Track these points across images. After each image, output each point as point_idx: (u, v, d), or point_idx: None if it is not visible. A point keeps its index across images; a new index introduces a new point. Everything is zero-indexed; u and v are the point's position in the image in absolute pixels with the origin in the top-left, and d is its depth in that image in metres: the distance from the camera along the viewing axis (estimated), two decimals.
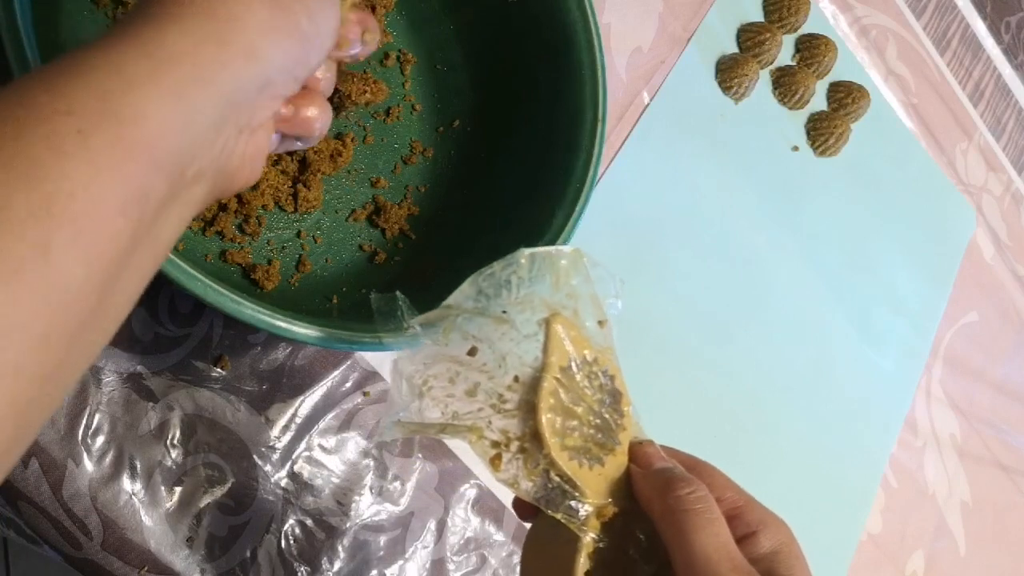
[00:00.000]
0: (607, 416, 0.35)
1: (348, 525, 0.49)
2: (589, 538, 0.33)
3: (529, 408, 0.33)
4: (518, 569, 0.37)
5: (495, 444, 0.33)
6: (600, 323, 0.37)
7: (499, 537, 0.54)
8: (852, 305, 0.75)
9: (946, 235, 0.84)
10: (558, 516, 0.33)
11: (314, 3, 0.30)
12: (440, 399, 0.34)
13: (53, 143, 0.22)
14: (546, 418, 0.33)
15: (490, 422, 0.33)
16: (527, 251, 0.35)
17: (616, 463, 0.35)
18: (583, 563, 0.33)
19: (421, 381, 0.34)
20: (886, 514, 0.74)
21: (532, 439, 0.33)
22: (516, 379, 0.34)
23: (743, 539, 0.34)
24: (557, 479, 0.33)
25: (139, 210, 0.24)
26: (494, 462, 0.33)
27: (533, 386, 0.33)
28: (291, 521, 0.47)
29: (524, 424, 0.33)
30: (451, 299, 0.35)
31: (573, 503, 0.33)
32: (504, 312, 0.34)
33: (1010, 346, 0.88)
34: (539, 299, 0.35)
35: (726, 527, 0.33)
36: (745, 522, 0.34)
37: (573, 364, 0.35)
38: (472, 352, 0.34)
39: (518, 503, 0.38)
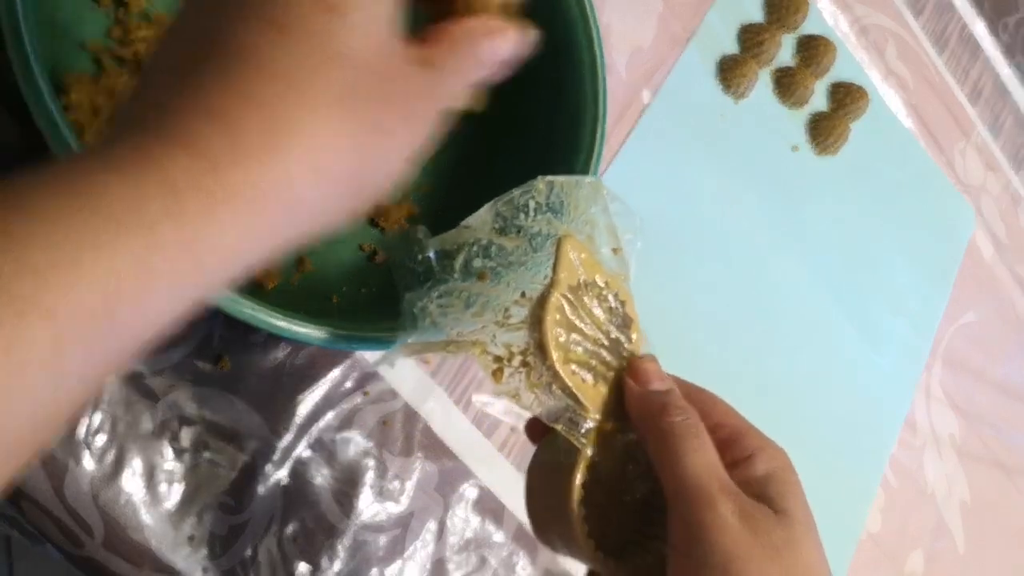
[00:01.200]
0: (614, 336, 0.35)
1: (348, 525, 0.49)
2: (588, 452, 0.34)
3: (535, 321, 0.33)
4: (527, 516, 0.37)
5: (498, 359, 0.33)
6: (615, 251, 0.37)
7: (499, 537, 0.54)
8: (852, 305, 0.75)
9: (946, 235, 0.84)
10: (558, 427, 0.33)
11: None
12: (447, 324, 0.35)
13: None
14: (551, 332, 0.33)
15: (494, 336, 0.34)
16: (547, 178, 0.36)
17: (620, 383, 0.35)
18: (580, 477, 0.33)
19: (429, 311, 0.34)
20: (886, 513, 0.74)
21: (536, 351, 0.33)
22: (523, 295, 0.34)
23: (738, 463, 0.34)
24: (559, 392, 0.33)
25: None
26: (496, 375, 0.33)
27: (540, 302, 0.34)
28: (291, 521, 0.47)
29: (529, 336, 0.33)
30: (469, 220, 0.35)
31: (574, 417, 0.34)
32: (519, 232, 0.35)
33: (1010, 346, 0.88)
34: (555, 223, 0.35)
35: (715, 453, 0.33)
36: (741, 447, 0.34)
37: (582, 284, 0.35)
38: (482, 277, 0.35)
39: (530, 425, 0.38)
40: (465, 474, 0.53)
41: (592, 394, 0.34)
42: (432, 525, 0.52)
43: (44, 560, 0.45)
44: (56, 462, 0.41)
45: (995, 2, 0.93)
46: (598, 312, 0.35)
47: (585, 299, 0.35)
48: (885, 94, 0.81)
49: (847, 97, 0.75)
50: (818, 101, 0.75)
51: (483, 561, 0.53)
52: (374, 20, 0.25)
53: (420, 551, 0.51)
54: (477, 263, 0.35)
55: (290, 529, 0.47)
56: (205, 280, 0.22)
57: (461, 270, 0.35)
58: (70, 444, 0.42)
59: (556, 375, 0.33)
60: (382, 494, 0.50)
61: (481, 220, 0.35)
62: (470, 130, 0.55)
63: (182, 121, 0.22)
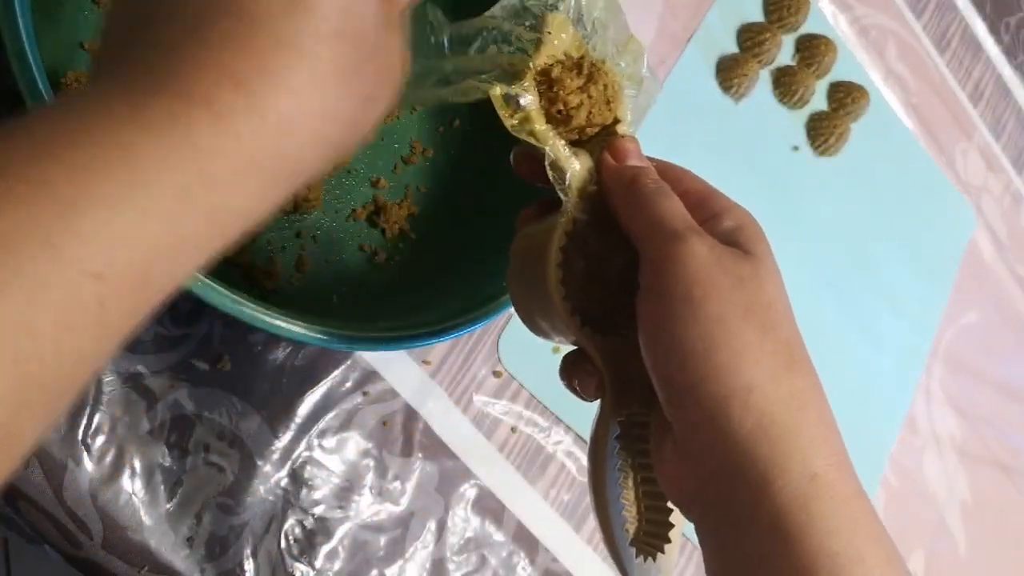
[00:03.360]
0: (602, 106, 0.36)
1: (348, 525, 0.49)
2: (570, 207, 0.35)
3: (533, 50, 0.35)
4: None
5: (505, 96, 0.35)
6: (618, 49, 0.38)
7: (499, 537, 0.54)
8: (852, 305, 0.75)
9: (946, 235, 0.84)
10: (550, 174, 0.35)
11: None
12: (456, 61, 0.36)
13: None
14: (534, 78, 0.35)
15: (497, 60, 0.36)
16: None
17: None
18: (559, 239, 0.35)
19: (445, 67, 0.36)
20: (886, 514, 0.74)
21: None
22: (527, 27, 0.36)
23: (706, 221, 0.34)
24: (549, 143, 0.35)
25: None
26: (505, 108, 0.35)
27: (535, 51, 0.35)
28: (291, 521, 0.47)
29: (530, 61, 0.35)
30: (494, 10, 0.36)
31: (559, 175, 0.35)
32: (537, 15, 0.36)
33: (1010, 346, 0.88)
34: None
35: (681, 203, 0.34)
36: (709, 208, 0.34)
37: (575, 57, 0.36)
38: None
39: (518, 157, 0.38)
40: (465, 474, 0.53)
41: (575, 161, 0.35)
42: (432, 525, 0.52)
43: (42, 561, 0.45)
44: (55, 462, 0.41)
45: (997, 2, 0.92)
46: (583, 91, 0.36)
47: (573, 71, 0.36)
48: (886, 94, 0.81)
49: (847, 97, 0.75)
50: (818, 101, 0.75)
51: (483, 561, 0.53)
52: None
53: (420, 551, 0.51)
54: (492, 49, 0.36)
55: (290, 529, 0.47)
56: (222, 241, 0.24)
57: (475, 55, 0.37)
58: (69, 444, 0.42)
59: (534, 132, 0.35)
60: (382, 494, 0.50)
61: (506, 9, 0.36)
62: (470, 131, 0.55)
63: (202, 82, 0.23)
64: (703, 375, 0.30)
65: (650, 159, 0.37)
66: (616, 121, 0.37)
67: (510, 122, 0.35)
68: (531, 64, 0.35)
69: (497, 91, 0.34)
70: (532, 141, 0.35)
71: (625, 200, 0.34)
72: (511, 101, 0.35)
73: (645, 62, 0.38)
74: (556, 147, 0.35)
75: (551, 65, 0.35)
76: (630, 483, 0.35)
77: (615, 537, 0.34)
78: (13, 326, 0.19)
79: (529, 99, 0.35)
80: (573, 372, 0.36)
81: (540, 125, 0.35)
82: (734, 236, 0.33)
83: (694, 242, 0.31)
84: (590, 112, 0.36)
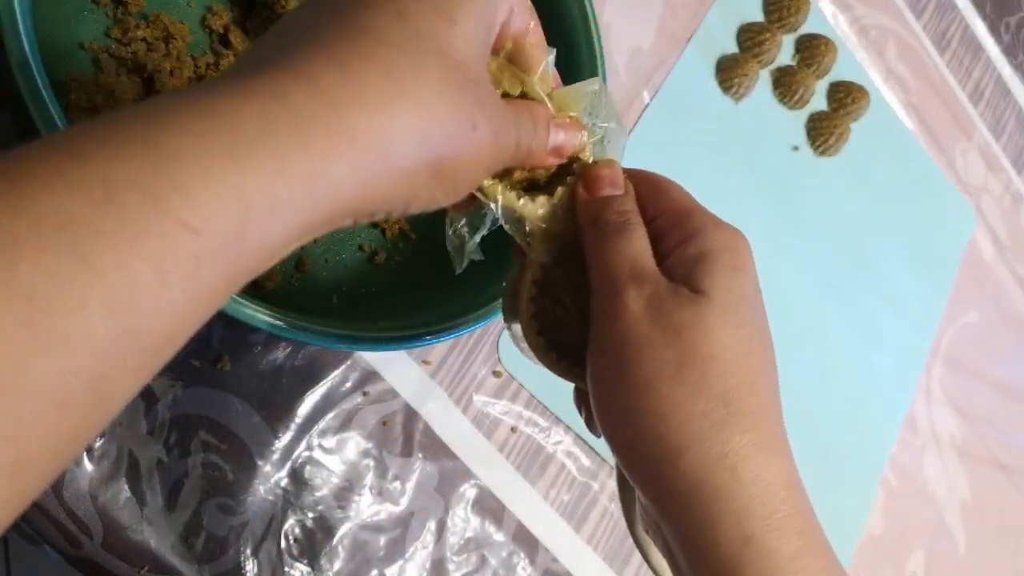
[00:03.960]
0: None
1: (348, 525, 0.49)
2: (534, 257, 0.34)
3: None
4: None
5: None
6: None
7: (499, 537, 0.54)
8: (852, 305, 0.75)
9: (946, 235, 0.84)
10: (507, 228, 0.34)
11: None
12: None
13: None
14: None
15: None
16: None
17: (571, 192, 0.35)
18: (529, 287, 0.34)
19: None
20: (886, 514, 0.74)
21: None
22: None
23: (675, 247, 0.32)
24: (499, 209, 0.34)
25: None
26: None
27: None
28: (291, 521, 0.47)
29: None
30: None
31: (518, 226, 0.34)
32: None
33: (1010, 346, 0.88)
34: None
35: (641, 240, 0.32)
36: (683, 228, 0.32)
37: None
38: None
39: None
40: (465, 474, 0.53)
41: (531, 208, 0.34)
42: (432, 525, 0.52)
43: (42, 561, 0.45)
44: None
45: (997, 2, 0.92)
46: None
47: None
48: (886, 94, 0.81)
49: (847, 97, 0.75)
50: (818, 101, 0.75)
51: (483, 561, 0.53)
52: (481, 48, 0.28)
53: (420, 551, 0.51)
54: None
55: (290, 529, 0.47)
56: (315, 214, 0.24)
57: None
58: None
59: (484, 193, 0.33)
60: (382, 494, 0.50)
61: None
62: None
63: (307, 62, 0.24)
64: (635, 438, 0.30)
65: (634, 172, 0.35)
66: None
67: None
68: None
69: None
70: (480, 197, 0.33)
71: (587, 241, 0.33)
72: None
73: (609, 108, 0.36)
74: (507, 198, 0.33)
75: None
76: None
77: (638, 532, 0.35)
78: (114, 274, 0.19)
79: None
80: (581, 403, 0.36)
81: (486, 180, 0.33)
82: (692, 269, 0.31)
83: (630, 297, 0.30)
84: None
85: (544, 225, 0.34)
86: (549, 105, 0.33)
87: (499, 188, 0.33)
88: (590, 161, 0.35)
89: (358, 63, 0.24)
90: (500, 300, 0.45)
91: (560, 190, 0.34)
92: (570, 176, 0.35)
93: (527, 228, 0.34)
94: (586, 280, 0.33)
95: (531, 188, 0.35)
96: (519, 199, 0.33)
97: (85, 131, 0.21)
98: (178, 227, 0.20)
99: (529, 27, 0.33)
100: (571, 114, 0.34)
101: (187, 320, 0.21)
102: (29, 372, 0.18)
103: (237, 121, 0.22)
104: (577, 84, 0.35)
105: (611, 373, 0.30)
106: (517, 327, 0.35)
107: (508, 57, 0.33)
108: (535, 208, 0.34)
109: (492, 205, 0.33)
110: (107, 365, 0.20)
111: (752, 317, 0.31)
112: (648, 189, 0.34)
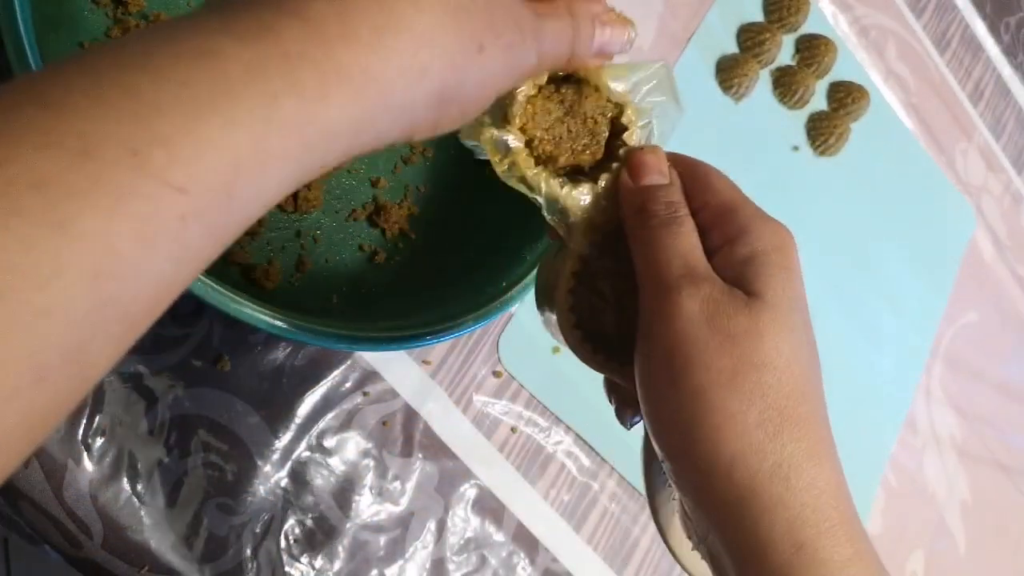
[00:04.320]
0: (598, 133, 0.34)
1: (348, 525, 0.49)
2: (574, 248, 0.33)
3: (501, 115, 0.32)
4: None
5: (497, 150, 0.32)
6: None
7: (499, 537, 0.54)
8: (852, 305, 0.75)
9: (946, 235, 0.84)
10: (549, 219, 0.33)
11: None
12: None
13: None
14: (517, 121, 0.32)
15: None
16: None
17: (614, 180, 0.34)
18: (568, 279, 0.33)
19: None
20: (886, 514, 0.74)
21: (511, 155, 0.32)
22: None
23: (723, 246, 0.31)
24: (542, 187, 0.33)
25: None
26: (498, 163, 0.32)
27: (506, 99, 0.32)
28: (291, 521, 0.47)
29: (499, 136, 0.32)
30: None
31: (561, 216, 0.33)
32: None
33: (1010, 346, 0.88)
34: None
35: (692, 235, 0.31)
36: (729, 226, 0.31)
37: (556, 81, 0.33)
38: None
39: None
40: (465, 474, 0.53)
41: (572, 197, 0.33)
42: (432, 525, 0.52)
43: (42, 561, 0.45)
44: (55, 463, 0.41)
45: (997, 2, 0.92)
46: (562, 123, 0.33)
47: (544, 117, 0.33)
48: (886, 94, 0.81)
49: (848, 97, 0.75)
50: (818, 101, 0.75)
51: (483, 561, 0.53)
52: None
53: (420, 551, 0.51)
54: None
55: (290, 530, 0.47)
56: (309, 165, 0.22)
57: None
58: (69, 445, 0.42)
59: (524, 176, 0.32)
60: (382, 494, 0.50)
61: None
62: None
63: None
64: (687, 446, 0.29)
65: (677, 157, 0.34)
66: (621, 131, 0.34)
67: (500, 168, 0.32)
68: (517, 98, 0.32)
69: (487, 135, 0.32)
70: (523, 189, 0.32)
71: (632, 232, 0.32)
72: (500, 145, 0.32)
73: (668, 88, 0.35)
74: (551, 187, 0.32)
75: (532, 96, 0.32)
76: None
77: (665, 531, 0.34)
78: (92, 239, 0.18)
79: (515, 143, 0.32)
80: (612, 391, 0.35)
81: (530, 170, 0.32)
82: (744, 271, 0.30)
83: (683, 297, 0.29)
84: (572, 150, 0.33)
85: (587, 215, 0.33)
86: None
87: (543, 176, 0.32)
88: (635, 144, 0.34)
89: None
90: (500, 300, 0.45)
91: (604, 177, 0.33)
92: (616, 163, 0.33)
93: (570, 219, 0.33)
94: (628, 270, 0.32)
95: (575, 173, 0.34)
96: (562, 188, 0.32)
97: (58, 77, 0.19)
98: (162, 186, 0.19)
99: None
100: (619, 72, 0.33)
101: (172, 284, 0.20)
102: (3, 347, 0.17)
103: (223, 64, 0.20)
104: (639, 63, 0.34)
105: (662, 379, 0.29)
106: (551, 316, 0.34)
107: None
108: (578, 196, 0.33)
109: (536, 196, 0.32)
110: (87, 336, 0.18)
111: (802, 320, 0.30)
112: (692, 178, 0.33)
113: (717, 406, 0.28)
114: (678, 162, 0.34)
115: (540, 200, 0.32)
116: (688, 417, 0.28)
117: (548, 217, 0.33)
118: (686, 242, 0.31)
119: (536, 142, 0.33)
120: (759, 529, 0.28)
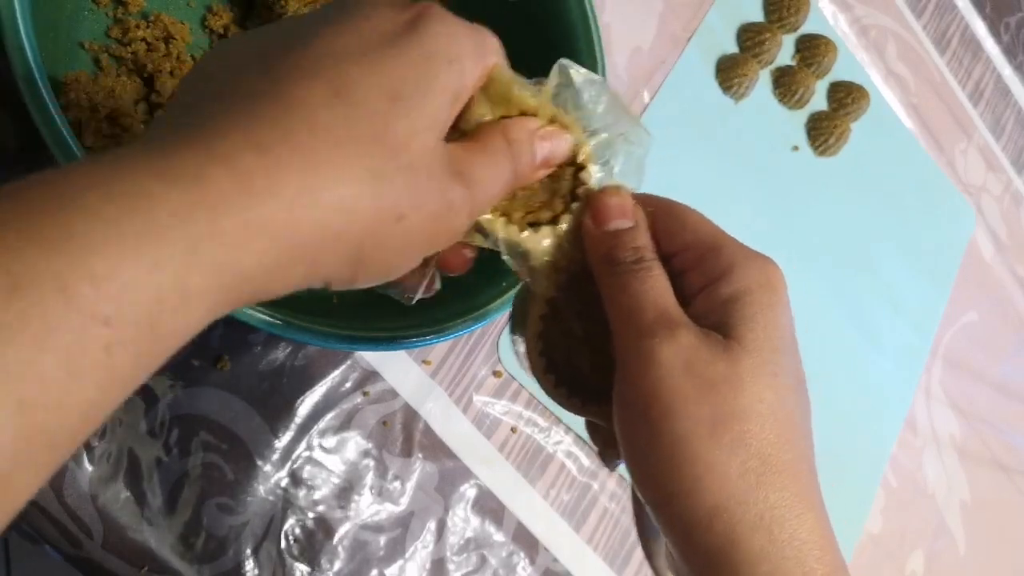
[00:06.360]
0: (562, 180, 0.32)
1: (348, 525, 0.49)
2: (539, 292, 0.32)
3: None
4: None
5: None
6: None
7: (499, 537, 0.54)
8: (852, 305, 0.75)
9: (946, 235, 0.84)
10: (510, 262, 0.32)
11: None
12: None
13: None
14: None
15: None
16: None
17: (576, 221, 0.32)
18: (536, 322, 0.32)
19: None
20: (886, 514, 0.74)
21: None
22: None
23: (706, 286, 0.30)
24: (502, 243, 0.31)
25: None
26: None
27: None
28: (291, 521, 0.47)
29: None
30: None
31: (522, 259, 0.32)
32: None
33: (1010, 346, 0.88)
34: None
35: (660, 278, 0.30)
36: (712, 265, 0.30)
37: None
38: None
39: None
40: (465, 474, 0.53)
41: (534, 240, 0.31)
42: (432, 525, 0.52)
43: (42, 561, 0.45)
44: None
45: (997, 2, 0.92)
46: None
47: None
48: (886, 94, 0.81)
49: (847, 97, 0.75)
50: (818, 101, 0.75)
51: (483, 561, 0.53)
52: (429, 124, 0.26)
53: (420, 551, 0.51)
54: None
55: (290, 529, 0.47)
56: (228, 305, 0.23)
57: None
58: None
59: (482, 228, 0.31)
60: (382, 494, 0.50)
61: None
62: None
63: (226, 141, 0.23)
64: (667, 496, 0.28)
65: (648, 199, 0.33)
66: (579, 168, 0.32)
67: None
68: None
69: None
70: (479, 240, 0.31)
71: (601, 279, 0.31)
72: None
73: (620, 109, 0.33)
74: (509, 232, 0.31)
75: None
76: None
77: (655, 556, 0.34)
78: (20, 370, 0.18)
79: None
80: (594, 433, 0.35)
81: (483, 216, 0.31)
82: (726, 312, 0.29)
83: (658, 344, 0.28)
84: (526, 207, 0.32)
85: (550, 258, 0.32)
86: (536, 104, 0.31)
87: (499, 223, 0.31)
88: (593, 170, 0.32)
89: (279, 148, 0.23)
90: (500, 300, 0.45)
91: (565, 219, 0.32)
92: (576, 202, 0.32)
93: (531, 263, 0.32)
94: (597, 311, 0.31)
95: (535, 215, 0.32)
96: (522, 232, 0.31)
97: None
98: (88, 319, 0.19)
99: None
100: (560, 117, 0.32)
101: (99, 410, 0.21)
102: None
103: (151, 205, 0.21)
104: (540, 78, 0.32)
105: (641, 428, 0.29)
106: (523, 347, 0.34)
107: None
108: (539, 240, 0.31)
109: (495, 241, 0.31)
110: (11, 464, 0.19)
111: (787, 362, 0.30)
112: (665, 219, 0.32)
113: (698, 456, 0.28)
114: (649, 203, 0.33)
115: (499, 245, 0.31)
116: (668, 468, 0.28)
117: (508, 261, 0.32)
118: (657, 287, 0.30)
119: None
120: None
